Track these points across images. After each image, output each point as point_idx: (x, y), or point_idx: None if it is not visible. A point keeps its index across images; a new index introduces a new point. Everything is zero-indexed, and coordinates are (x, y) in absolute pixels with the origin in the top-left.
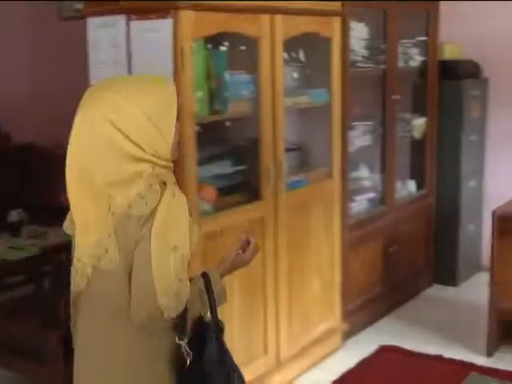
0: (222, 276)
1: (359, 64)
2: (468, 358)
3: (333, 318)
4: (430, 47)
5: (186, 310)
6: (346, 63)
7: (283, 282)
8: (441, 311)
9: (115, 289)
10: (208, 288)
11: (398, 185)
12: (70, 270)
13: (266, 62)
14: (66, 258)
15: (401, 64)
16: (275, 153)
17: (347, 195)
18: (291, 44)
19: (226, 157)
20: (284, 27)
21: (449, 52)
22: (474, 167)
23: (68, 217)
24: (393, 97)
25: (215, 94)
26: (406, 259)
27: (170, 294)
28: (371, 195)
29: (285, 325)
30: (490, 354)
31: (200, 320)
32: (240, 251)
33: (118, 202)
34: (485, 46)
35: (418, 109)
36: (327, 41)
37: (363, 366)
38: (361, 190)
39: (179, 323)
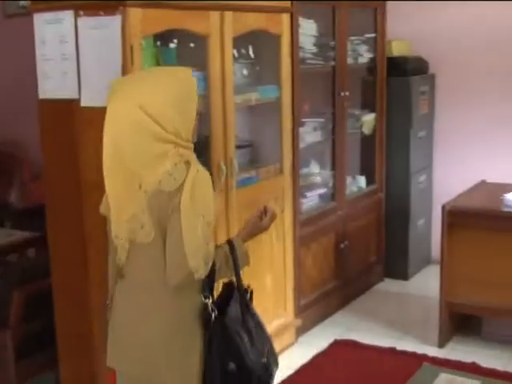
0: (243, 242)
1: (309, 61)
2: (421, 350)
3: (286, 314)
4: (378, 44)
5: (213, 272)
6: (296, 60)
7: None
8: (393, 305)
9: (153, 258)
10: (232, 253)
11: (349, 180)
12: (19, 271)
13: (216, 59)
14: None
15: (350, 61)
16: (226, 150)
17: (298, 191)
18: (241, 41)
19: None
20: (233, 24)
21: (397, 49)
22: (423, 163)
23: (104, 200)
24: (342, 93)
25: None
26: (358, 254)
27: (199, 257)
28: (322, 191)
29: None
30: (441, 345)
31: (228, 283)
32: (258, 219)
33: (148, 181)
34: (432, 42)
35: (368, 105)
36: (276, 38)
37: (317, 360)
38: (312, 186)
39: (206, 284)
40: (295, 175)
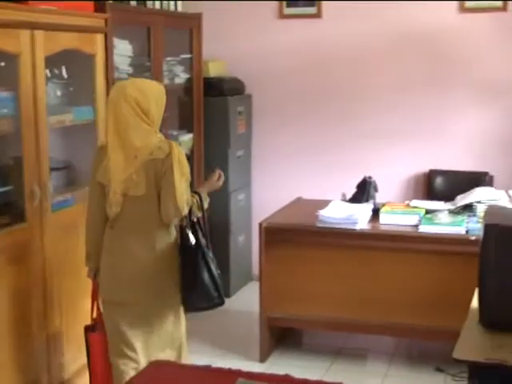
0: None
1: None
2: (242, 366)
3: None
4: (194, 65)
5: (190, 212)
6: (111, 80)
7: (54, 307)
8: (215, 323)
9: (146, 207)
10: (200, 200)
11: None
12: None
13: (27, 79)
14: None
15: (166, 81)
16: (39, 172)
17: None
18: (54, 60)
19: None
20: (45, 43)
21: (213, 69)
22: (242, 181)
23: (101, 170)
24: None
25: None
26: None
27: (184, 201)
28: None
29: (56, 350)
30: (263, 360)
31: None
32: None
33: (142, 152)
34: (247, 63)
35: (185, 125)
36: (90, 58)
37: (133, 382)
38: None
39: (187, 221)
40: None
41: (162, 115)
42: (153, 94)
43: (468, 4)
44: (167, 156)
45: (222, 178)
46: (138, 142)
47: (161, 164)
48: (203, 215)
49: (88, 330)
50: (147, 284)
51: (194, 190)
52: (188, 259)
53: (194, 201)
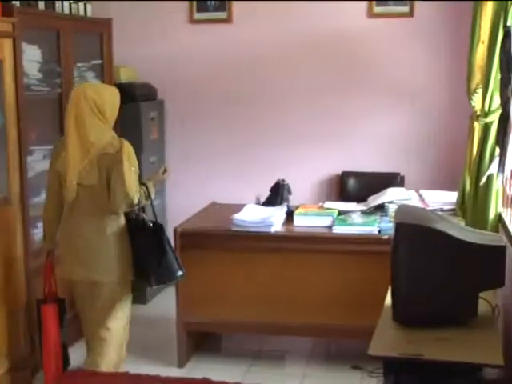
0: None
1: (34, 87)
2: (161, 372)
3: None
4: (106, 70)
5: (139, 201)
6: (20, 86)
7: None
8: (133, 329)
9: (98, 195)
10: (148, 191)
11: None
12: None
13: None
14: None
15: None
16: None
17: (29, 222)
18: None
19: None
20: None
21: (125, 75)
22: (156, 187)
23: (60, 161)
24: None
25: None
26: None
27: (133, 191)
28: None
29: None
30: (181, 365)
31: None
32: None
33: (95, 146)
34: (158, 68)
35: None
36: None
37: None
38: None
39: (139, 207)
40: (24, 205)
41: (115, 115)
42: (108, 97)
43: (376, 9)
44: (118, 151)
45: (168, 172)
46: (93, 138)
47: (112, 158)
48: (151, 204)
49: (40, 302)
50: (98, 264)
51: (141, 182)
52: (152, 240)
53: (142, 192)
